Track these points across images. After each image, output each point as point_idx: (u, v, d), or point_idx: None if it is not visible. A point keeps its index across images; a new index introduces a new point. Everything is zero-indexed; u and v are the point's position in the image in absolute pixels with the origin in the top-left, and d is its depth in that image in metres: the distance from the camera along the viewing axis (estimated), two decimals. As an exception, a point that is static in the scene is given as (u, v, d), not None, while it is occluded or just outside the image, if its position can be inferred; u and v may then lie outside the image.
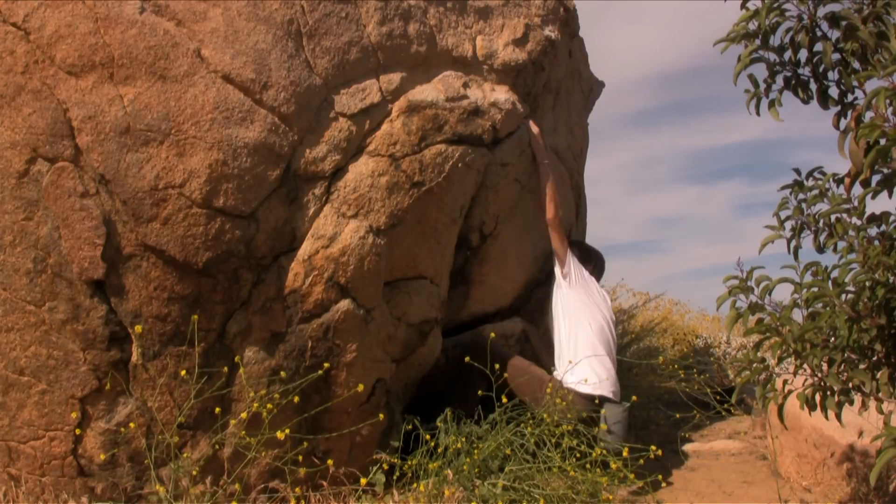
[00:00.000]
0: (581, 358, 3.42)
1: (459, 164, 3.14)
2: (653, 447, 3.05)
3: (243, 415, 2.62)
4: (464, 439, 2.98)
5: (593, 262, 3.88)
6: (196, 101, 2.61)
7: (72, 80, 2.57)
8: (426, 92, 3.10)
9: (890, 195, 1.97)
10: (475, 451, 2.93)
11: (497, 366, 3.13)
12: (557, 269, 3.67)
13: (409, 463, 2.95)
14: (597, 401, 3.36)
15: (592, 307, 3.59)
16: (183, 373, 2.64)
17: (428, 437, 2.97)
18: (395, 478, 2.97)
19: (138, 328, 2.62)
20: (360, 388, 2.87)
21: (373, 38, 2.99)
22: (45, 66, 2.56)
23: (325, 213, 2.87)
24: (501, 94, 3.33)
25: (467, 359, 3.14)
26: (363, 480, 2.70)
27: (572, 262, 3.67)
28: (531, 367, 3.47)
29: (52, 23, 2.56)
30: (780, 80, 2.29)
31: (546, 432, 2.99)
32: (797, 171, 2.30)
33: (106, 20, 2.58)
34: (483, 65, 3.35)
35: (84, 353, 2.65)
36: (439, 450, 2.96)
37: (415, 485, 2.77)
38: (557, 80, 3.87)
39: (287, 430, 2.61)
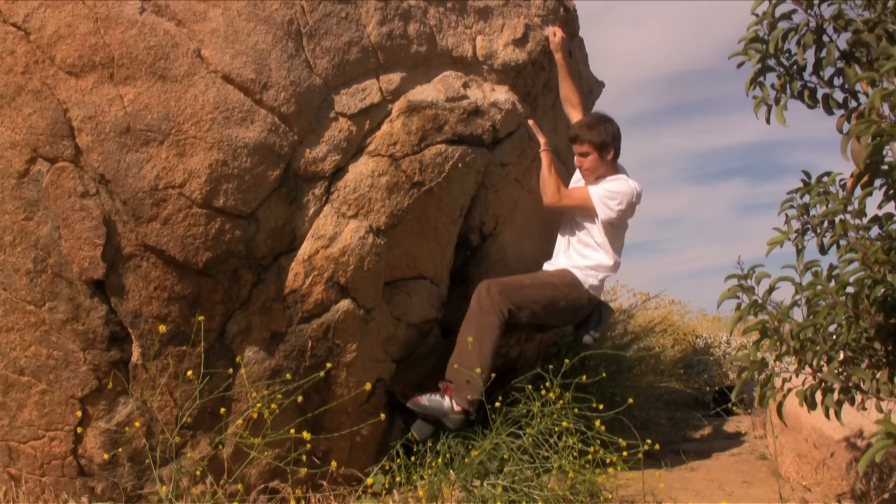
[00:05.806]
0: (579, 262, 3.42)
1: (459, 165, 3.14)
2: (648, 441, 3.04)
3: (253, 414, 2.62)
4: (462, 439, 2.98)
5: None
6: (196, 101, 2.61)
7: (72, 80, 2.57)
8: (426, 92, 3.10)
9: None
10: (473, 452, 2.93)
11: None
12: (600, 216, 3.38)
13: (409, 462, 2.95)
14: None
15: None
16: (189, 373, 2.64)
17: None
18: (394, 478, 2.97)
19: (161, 327, 2.62)
20: (368, 386, 2.87)
21: (373, 38, 2.99)
22: (45, 67, 2.57)
23: (325, 213, 2.87)
24: (501, 94, 3.33)
25: None
26: (369, 480, 2.70)
27: (607, 204, 3.34)
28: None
29: (52, 23, 2.56)
30: (787, 87, 2.32)
31: (545, 427, 2.98)
32: (806, 174, 2.31)
33: (106, 20, 2.58)
34: (483, 65, 3.35)
35: (84, 353, 2.66)
36: (440, 451, 2.96)
37: (415, 482, 2.77)
38: (557, 80, 3.86)
39: (293, 430, 2.61)
